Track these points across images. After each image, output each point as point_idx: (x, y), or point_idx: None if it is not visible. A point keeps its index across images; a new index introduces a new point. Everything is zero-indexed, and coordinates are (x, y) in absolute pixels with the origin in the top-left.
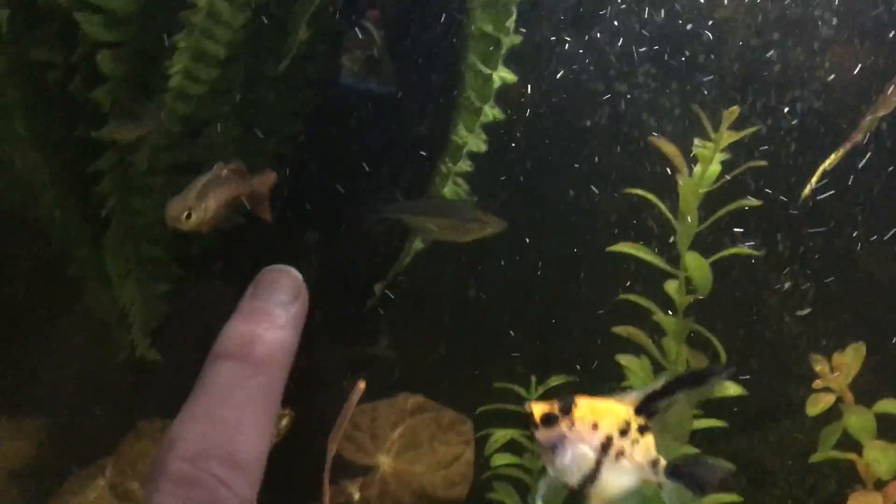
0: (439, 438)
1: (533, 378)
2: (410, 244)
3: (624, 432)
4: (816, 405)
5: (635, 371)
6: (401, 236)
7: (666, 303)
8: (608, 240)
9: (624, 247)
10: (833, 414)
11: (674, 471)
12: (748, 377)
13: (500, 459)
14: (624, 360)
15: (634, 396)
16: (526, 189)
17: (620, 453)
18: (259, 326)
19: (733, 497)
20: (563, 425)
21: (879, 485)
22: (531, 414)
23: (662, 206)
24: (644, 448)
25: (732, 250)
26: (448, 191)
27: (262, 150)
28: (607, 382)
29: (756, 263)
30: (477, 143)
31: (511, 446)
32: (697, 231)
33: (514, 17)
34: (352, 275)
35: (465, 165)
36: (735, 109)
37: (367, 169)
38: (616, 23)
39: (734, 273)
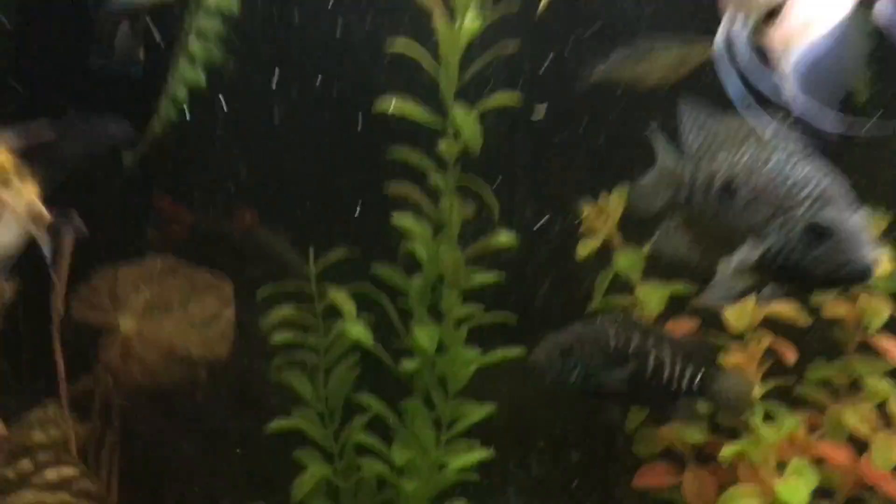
0: (194, 299)
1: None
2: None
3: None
4: (585, 249)
5: (412, 232)
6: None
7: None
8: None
9: (389, 104)
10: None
11: None
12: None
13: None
14: (401, 219)
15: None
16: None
17: None
18: None
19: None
20: None
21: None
22: None
23: (424, 57)
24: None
25: (498, 100)
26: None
27: None
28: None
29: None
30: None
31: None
32: (464, 84)
33: None
34: None
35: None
36: None
37: None
38: None
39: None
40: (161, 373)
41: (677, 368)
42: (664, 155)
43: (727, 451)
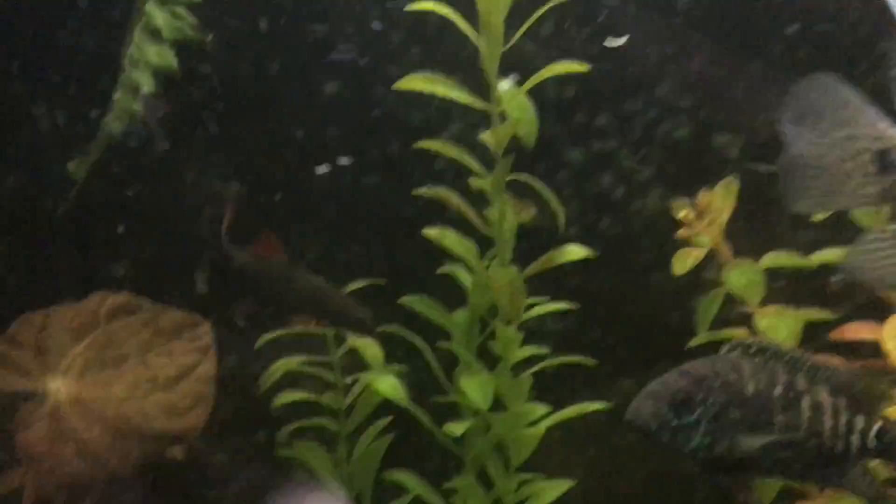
0: (157, 348)
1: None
2: None
3: None
4: (683, 262)
5: (452, 248)
6: None
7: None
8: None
9: (415, 81)
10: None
11: None
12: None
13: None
14: (435, 234)
15: None
16: None
17: None
18: None
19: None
20: None
21: None
22: None
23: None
24: None
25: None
26: None
27: None
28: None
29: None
30: None
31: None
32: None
33: None
34: None
35: None
36: None
37: None
38: None
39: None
40: (109, 455)
41: (843, 418)
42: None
43: None
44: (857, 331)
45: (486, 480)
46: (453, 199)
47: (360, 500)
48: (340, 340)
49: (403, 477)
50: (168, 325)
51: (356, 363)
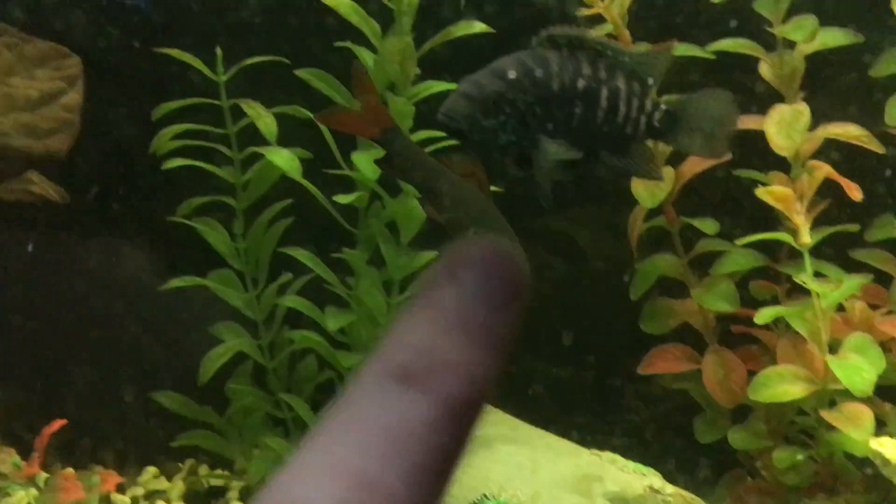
0: (20, 73)
1: None
2: None
3: None
4: None
5: (346, 11)
6: None
7: None
8: None
9: None
10: None
11: None
12: None
13: None
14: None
15: None
16: None
17: None
18: None
19: None
20: None
21: None
22: None
23: None
24: None
25: None
26: None
27: None
28: None
29: None
30: None
31: None
32: None
33: None
34: None
35: None
36: None
37: None
38: None
39: None
40: None
41: (635, 102)
42: None
43: (766, 312)
44: (746, 123)
45: (377, 256)
46: None
47: (257, 276)
48: (236, 113)
49: (300, 254)
50: (34, 53)
51: (252, 134)
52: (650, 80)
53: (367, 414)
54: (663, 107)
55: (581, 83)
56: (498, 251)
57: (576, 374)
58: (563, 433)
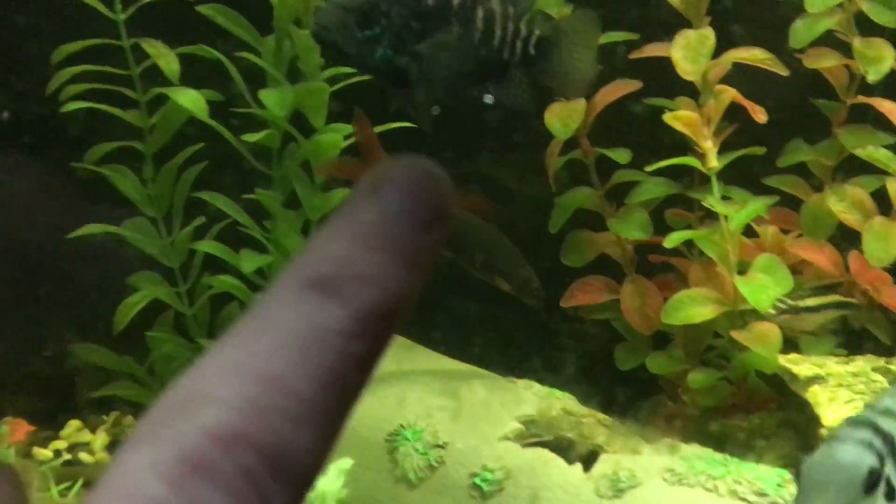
0: None
1: None
2: None
3: None
4: None
5: None
6: None
7: None
8: None
9: None
10: None
11: None
12: None
13: None
14: None
15: None
16: None
17: None
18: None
19: None
20: None
21: None
22: None
23: None
24: None
25: None
26: None
27: None
28: None
29: None
30: None
31: None
32: None
33: None
34: None
35: None
36: None
37: None
38: None
39: None
40: None
41: (510, 26)
42: None
43: (674, 236)
44: (654, 50)
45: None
46: None
47: (170, 221)
48: (139, 54)
49: (214, 197)
50: None
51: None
52: (525, 3)
53: (280, 320)
54: (537, 32)
55: (456, 1)
56: (425, 173)
57: (499, 310)
58: (488, 367)
